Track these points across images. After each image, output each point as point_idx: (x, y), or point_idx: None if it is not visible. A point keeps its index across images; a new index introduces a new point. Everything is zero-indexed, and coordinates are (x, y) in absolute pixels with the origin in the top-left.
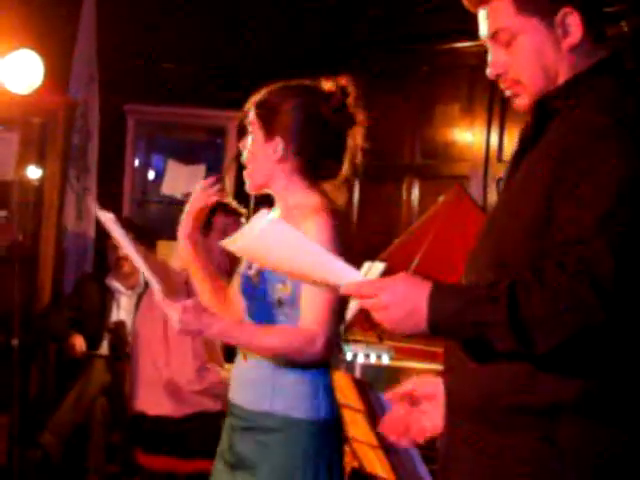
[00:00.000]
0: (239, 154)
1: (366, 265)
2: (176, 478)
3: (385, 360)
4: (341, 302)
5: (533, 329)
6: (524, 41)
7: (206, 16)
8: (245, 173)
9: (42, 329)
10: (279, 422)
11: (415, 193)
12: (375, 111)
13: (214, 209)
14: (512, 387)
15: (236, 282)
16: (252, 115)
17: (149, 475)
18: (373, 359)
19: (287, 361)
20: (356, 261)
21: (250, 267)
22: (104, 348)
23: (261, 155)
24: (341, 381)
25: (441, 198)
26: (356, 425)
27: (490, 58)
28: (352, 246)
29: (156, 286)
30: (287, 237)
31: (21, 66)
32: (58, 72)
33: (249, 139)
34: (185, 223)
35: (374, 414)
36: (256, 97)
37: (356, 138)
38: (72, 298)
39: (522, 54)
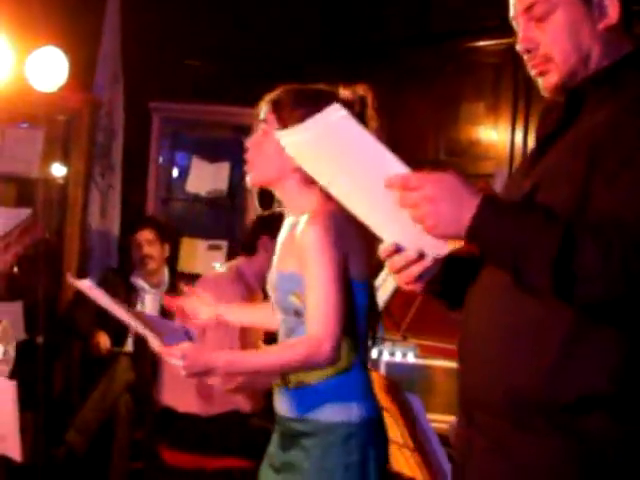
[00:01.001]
0: None
1: (382, 275)
2: (200, 475)
3: (410, 358)
4: (345, 303)
5: (576, 277)
6: (560, 16)
7: (231, 13)
8: (250, 166)
9: (67, 326)
10: (311, 426)
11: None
12: (400, 108)
13: (259, 230)
14: (534, 382)
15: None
16: (268, 114)
17: (173, 472)
18: (398, 357)
19: (300, 371)
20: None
21: (271, 277)
22: (129, 345)
23: (276, 155)
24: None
25: None
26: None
27: (521, 33)
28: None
29: (152, 339)
30: (352, 133)
31: (46, 64)
32: (83, 70)
33: (259, 135)
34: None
35: (403, 414)
36: (272, 96)
37: None
38: None
39: (557, 29)
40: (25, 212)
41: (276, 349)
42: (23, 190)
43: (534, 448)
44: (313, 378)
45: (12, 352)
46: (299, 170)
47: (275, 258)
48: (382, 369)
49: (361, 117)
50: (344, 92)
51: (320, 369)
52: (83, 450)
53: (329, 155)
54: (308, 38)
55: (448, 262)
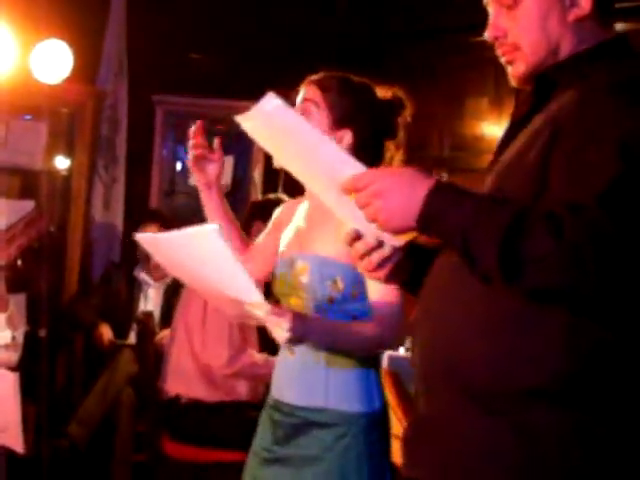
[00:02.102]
0: None
1: None
2: (203, 467)
3: None
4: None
5: (527, 260)
6: (530, 4)
7: (236, 6)
8: None
9: (70, 318)
10: (335, 417)
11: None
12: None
13: (252, 215)
14: (487, 371)
15: (277, 264)
16: (316, 95)
17: (176, 464)
18: (401, 351)
19: (363, 354)
20: None
21: (294, 260)
22: (131, 338)
23: None
24: None
25: None
26: None
27: (490, 20)
28: None
29: (258, 296)
30: (292, 121)
31: (50, 56)
32: (87, 62)
33: (307, 113)
34: (195, 180)
35: (405, 407)
36: (319, 78)
37: (395, 148)
38: (99, 288)
39: (526, 18)
40: (28, 204)
41: (361, 330)
42: (27, 182)
43: (468, 432)
44: (350, 363)
45: (20, 338)
46: None
47: (295, 238)
48: (385, 362)
49: (395, 120)
50: (380, 90)
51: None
52: (85, 442)
53: (278, 142)
54: (312, 33)
55: (412, 251)
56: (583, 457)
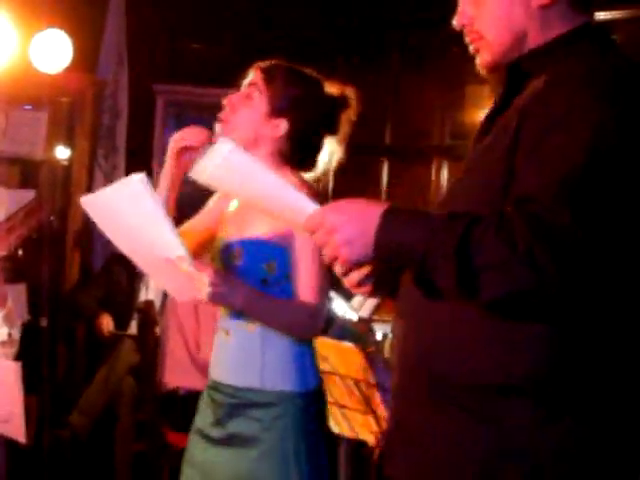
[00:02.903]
0: None
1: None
2: None
3: None
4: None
5: (480, 271)
6: None
7: None
8: (226, 127)
9: (70, 308)
10: (271, 397)
11: (444, 174)
12: (405, 92)
13: None
14: (457, 365)
15: (215, 247)
16: (260, 79)
17: (177, 453)
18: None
19: (288, 335)
20: None
21: (231, 244)
22: (133, 328)
23: (256, 124)
24: (344, 351)
25: None
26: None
27: (458, 7)
28: None
29: (183, 250)
30: (246, 168)
31: (50, 46)
32: (87, 52)
33: (242, 98)
34: (167, 161)
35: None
36: (267, 65)
37: (337, 144)
38: (100, 277)
39: (490, 7)
40: (29, 194)
41: (287, 306)
42: (27, 172)
43: (440, 430)
44: (284, 344)
45: (16, 334)
46: (277, 141)
47: (231, 221)
48: (387, 351)
49: (337, 116)
50: (329, 86)
51: (302, 338)
52: (86, 432)
53: (235, 184)
54: (311, 21)
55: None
56: (554, 452)
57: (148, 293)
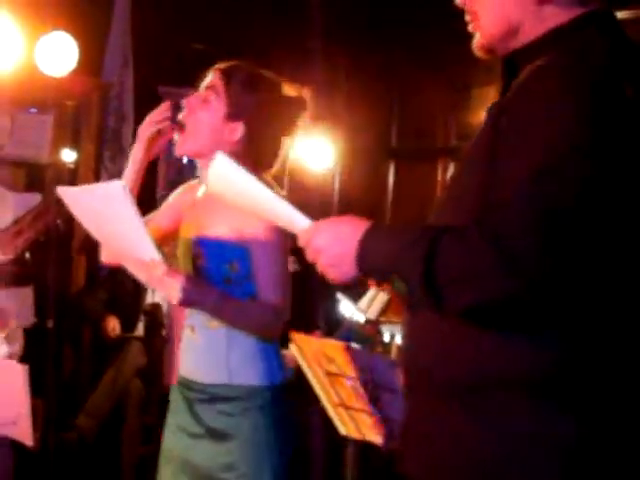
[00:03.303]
0: None
1: (371, 292)
2: None
3: None
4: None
5: (444, 284)
6: None
7: None
8: (184, 134)
9: (77, 311)
10: (239, 391)
11: (450, 175)
12: (411, 93)
13: None
14: (460, 365)
15: (179, 246)
16: (218, 82)
17: None
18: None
19: (252, 334)
20: None
21: (193, 244)
22: (139, 330)
23: (213, 128)
24: (329, 349)
25: None
26: (341, 390)
27: None
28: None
29: (157, 255)
30: (241, 181)
31: (55, 48)
32: (92, 54)
33: (200, 101)
34: (137, 147)
35: (363, 378)
36: (226, 68)
37: (291, 144)
38: (106, 280)
39: None
40: (35, 197)
41: (253, 307)
42: (33, 175)
43: (446, 429)
44: (250, 341)
45: (18, 351)
46: (234, 145)
47: (192, 221)
48: (394, 352)
49: (294, 119)
50: (287, 88)
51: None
52: (93, 434)
53: (238, 196)
54: (319, 21)
55: None
56: (559, 452)
57: (155, 296)
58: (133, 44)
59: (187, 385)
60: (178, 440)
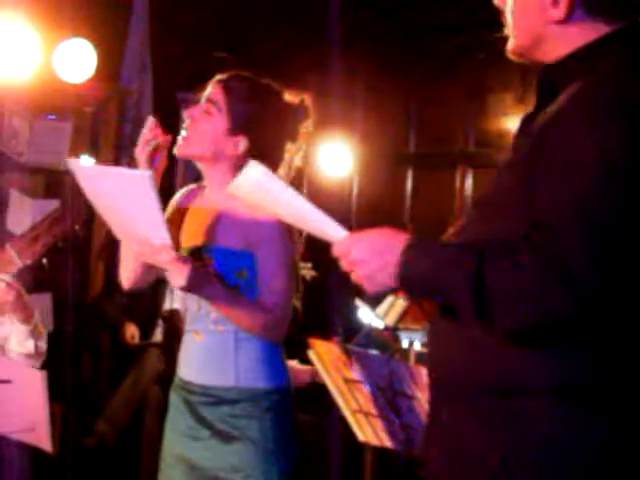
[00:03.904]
0: None
1: (389, 299)
2: None
3: None
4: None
5: (497, 303)
6: None
7: (261, 4)
8: (187, 140)
9: (95, 316)
10: (246, 394)
11: (468, 181)
12: (429, 99)
13: None
14: (482, 368)
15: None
16: (219, 96)
17: None
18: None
19: (252, 335)
20: None
21: (200, 252)
22: (157, 336)
23: (215, 140)
24: (330, 353)
25: None
26: (359, 396)
27: None
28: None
29: (169, 241)
30: (277, 191)
31: (74, 55)
32: (111, 61)
33: (201, 112)
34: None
35: (370, 382)
36: (226, 80)
37: (295, 152)
38: None
39: (512, 6)
40: (54, 204)
41: (259, 308)
42: (51, 182)
43: (476, 431)
44: (257, 344)
45: (44, 346)
46: (237, 158)
47: (198, 228)
48: (412, 359)
49: (297, 126)
50: (288, 95)
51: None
52: (113, 440)
53: (269, 203)
54: (336, 30)
55: None
56: (585, 454)
57: (173, 299)
58: (151, 50)
59: (189, 389)
60: (182, 444)
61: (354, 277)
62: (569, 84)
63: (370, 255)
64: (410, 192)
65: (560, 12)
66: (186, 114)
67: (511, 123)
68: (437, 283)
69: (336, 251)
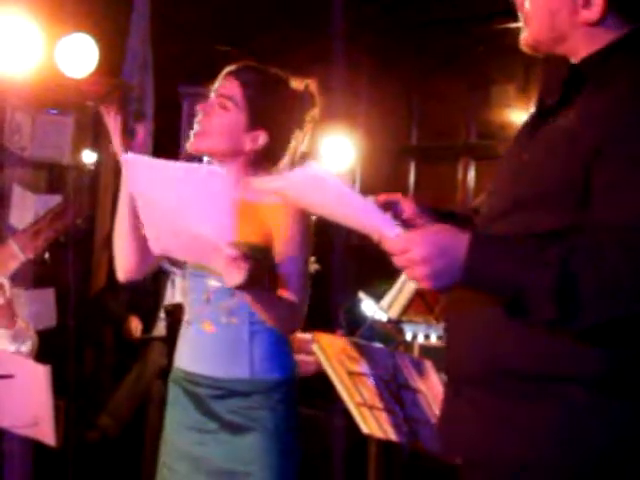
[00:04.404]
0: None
1: (392, 291)
2: None
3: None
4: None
5: (584, 305)
6: None
7: None
8: (202, 134)
9: (99, 311)
10: (260, 385)
11: (471, 174)
12: (431, 92)
13: None
14: (521, 351)
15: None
16: (236, 93)
17: None
18: (433, 339)
19: (275, 328)
20: None
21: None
22: (159, 329)
23: (233, 136)
24: (335, 345)
25: None
26: (364, 389)
27: None
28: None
29: (232, 236)
30: (332, 188)
31: (76, 50)
32: (112, 55)
33: (218, 108)
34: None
35: (375, 374)
36: (240, 74)
37: (302, 140)
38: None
39: (535, 5)
40: (56, 199)
41: (281, 299)
42: (54, 177)
43: (524, 417)
44: (271, 335)
45: (27, 349)
46: (256, 152)
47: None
48: (416, 351)
49: (305, 113)
50: (294, 82)
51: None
52: (116, 434)
53: (314, 200)
54: (338, 23)
55: None
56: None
57: (175, 293)
58: (153, 44)
59: (196, 381)
60: (188, 438)
61: (411, 274)
62: (609, 77)
63: (435, 253)
64: (413, 185)
65: (593, 14)
66: (199, 108)
67: (513, 115)
68: (510, 286)
69: (392, 248)
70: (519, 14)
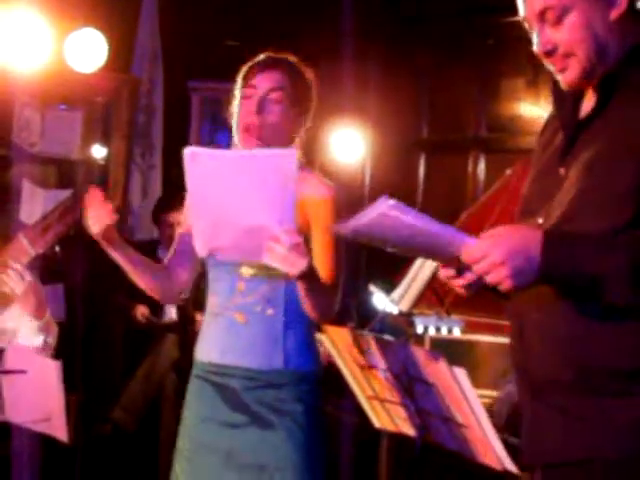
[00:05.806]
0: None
1: (403, 284)
2: None
3: (456, 333)
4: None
5: None
6: (575, 17)
7: None
8: (259, 129)
9: (107, 304)
10: (292, 377)
11: (481, 167)
12: (441, 85)
13: None
14: (618, 347)
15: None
16: (284, 81)
17: None
18: (444, 332)
19: (316, 316)
20: None
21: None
22: (169, 314)
23: (290, 126)
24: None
25: (508, 172)
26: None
27: (537, 37)
28: None
29: (293, 223)
30: (403, 221)
31: (85, 45)
32: (122, 50)
33: (275, 103)
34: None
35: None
36: (280, 62)
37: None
38: None
39: (575, 29)
40: (66, 194)
41: (325, 286)
42: (63, 172)
43: (613, 409)
44: (303, 327)
45: (52, 341)
46: (302, 138)
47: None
48: (427, 344)
49: (302, 96)
50: (309, 71)
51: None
52: (132, 428)
53: (387, 237)
54: (348, 17)
55: None
56: None
57: None
58: (162, 39)
59: (228, 373)
60: (216, 433)
61: (494, 279)
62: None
63: (514, 254)
64: (423, 178)
65: (621, 7)
66: (252, 103)
67: (523, 108)
68: (586, 272)
69: (471, 256)
70: (551, 64)
